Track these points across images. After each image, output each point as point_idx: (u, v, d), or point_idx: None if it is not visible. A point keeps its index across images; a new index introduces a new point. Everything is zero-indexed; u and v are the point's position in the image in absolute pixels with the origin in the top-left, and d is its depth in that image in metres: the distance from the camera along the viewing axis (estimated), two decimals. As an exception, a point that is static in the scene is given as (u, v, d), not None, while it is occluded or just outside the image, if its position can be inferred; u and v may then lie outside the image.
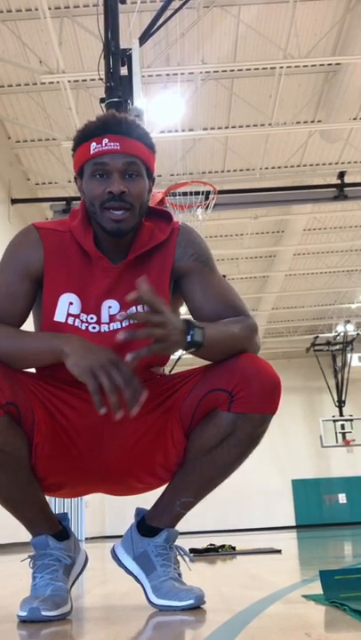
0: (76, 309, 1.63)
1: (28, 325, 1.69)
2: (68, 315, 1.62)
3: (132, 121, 1.67)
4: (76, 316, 1.62)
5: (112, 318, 1.64)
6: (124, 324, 1.63)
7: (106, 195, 1.59)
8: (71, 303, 1.63)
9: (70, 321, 1.62)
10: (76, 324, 1.62)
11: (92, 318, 1.63)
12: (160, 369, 1.74)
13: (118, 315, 1.59)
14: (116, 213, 1.59)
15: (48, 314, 1.62)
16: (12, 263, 1.66)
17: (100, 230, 1.65)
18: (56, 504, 9.29)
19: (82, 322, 1.63)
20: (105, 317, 1.64)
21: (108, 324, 1.63)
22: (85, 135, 1.64)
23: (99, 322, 1.63)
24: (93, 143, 1.62)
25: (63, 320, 1.61)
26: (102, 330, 1.63)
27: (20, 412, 1.54)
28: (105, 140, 1.61)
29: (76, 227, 1.68)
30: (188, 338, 1.50)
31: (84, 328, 1.62)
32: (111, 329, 1.63)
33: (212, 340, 1.54)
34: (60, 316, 1.62)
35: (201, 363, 1.66)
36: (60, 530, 1.70)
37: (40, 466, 1.60)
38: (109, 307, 1.64)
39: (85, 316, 1.63)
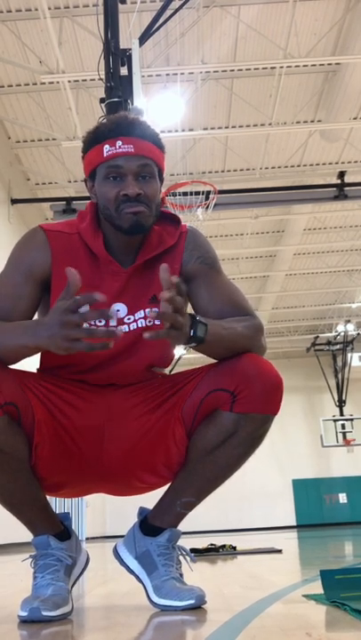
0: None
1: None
2: None
3: (143, 122, 1.67)
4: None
5: (120, 322, 1.64)
6: (131, 328, 1.63)
7: (121, 197, 1.60)
8: None
9: None
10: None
11: (100, 321, 1.63)
12: (162, 369, 1.74)
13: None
14: (134, 208, 1.59)
15: None
16: (16, 264, 1.66)
17: (110, 233, 1.65)
18: (56, 504, 9.30)
19: (90, 325, 1.62)
20: (113, 321, 1.64)
21: (116, 327, 1.63)
22: (97, 137, 1.64)
23: (107, 325, 1.63)
24: (106, 145, 1.62)
25: None
26: None
27: (20, 411, 1.54)
28: (118, 143, 1.61)
29: (85, 229, 1.67)
30: (191, 332, 1.49)
31: None
32: None
33: (214, 337, 1.54)
34: None
35: (201, 362, 1.66)
36: (61, 530, 1.70)
37: (40, 466, 1.60)
38: (118, 310, 1.65)
39: None
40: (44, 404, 1.61)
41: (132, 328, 1.64)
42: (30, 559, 1.68)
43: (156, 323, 1.63)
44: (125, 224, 1.60)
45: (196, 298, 1.70)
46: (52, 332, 1.39)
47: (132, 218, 1.59)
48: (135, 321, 1.64)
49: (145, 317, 1.65)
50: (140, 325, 1.64)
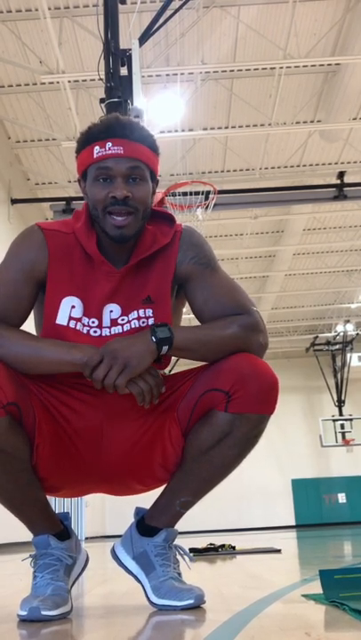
0: (77, 313, 1.62)
1: (28, 326, 1.69)
2: (70, 318, 1.61)
3: (135, 124, 1.66)
4: (78, 320, 1.62)
5: (113, 322, 1.64)
6: (125, 329, 1.63)
7: (109, 199, 1.59)
8: (73, 307, 1.62)
9: (72, 324, 1.61)
10: (77, 328, 1.61)
11: (93, 322, 1.63)
12: (161, 370, 1.74)
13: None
14: (119, 219, 1.59)
15: (50, 316, 1.61)
16: (17, 263, 1.65)
17: (103, 234, 1.65)
18: (56, 504, 9.30)
19: (83, 325, 1.62)
20: (106, 321, 1.64)
21: (110, 327, 1.63)
22: (89, 138, 1.64)
23: (100, 326, 1.63)
24: (97, 147, 1.61)
25: (65, 323, 1.61)
26: (103, 334, 1.62)
27: (22, 412, 1.54)
28: (108, 144, 1.60)
29: (80, 229, 1.67)
30: (153, 339, 1.53)
31: (85, 332, 1.62)
32: (112, 333, 1.63)
33: (189, 340, 1.56)
34: (61, 319, 1.61)
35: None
36: (61, 530, 1.70)
37: (41, 466, 1.60)
38: (111, 310, 1.64)
39: (87, 319, 1.63)
40: (44, 406, 1.61)
41: (125, 329, 1.63)
42: (30, 558, 1.68)
43: (150, 323, 1.64)
44: (110, 232, 1.61)
45: (191, 299, 1.69)
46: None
47: (117, 230, 1.60)
48: (129, 322, 1.64)
49: (138, 318, 1.64)
50: (133, 326, 1.63)
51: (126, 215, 1.60)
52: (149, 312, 1.64)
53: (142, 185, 1.62)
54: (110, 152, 1.60)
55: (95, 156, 1.61)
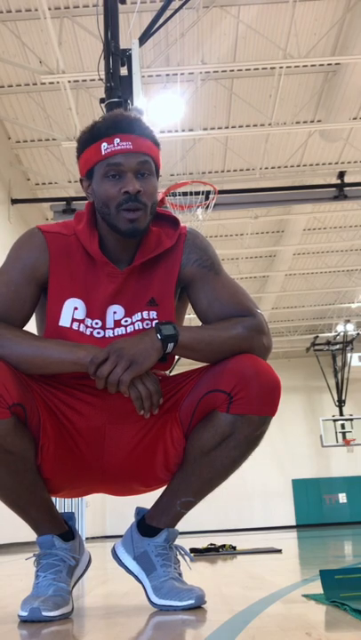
0: (80, 314, 1.62)
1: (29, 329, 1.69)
2: (73, 320, 1.61)
3: (139, 118, 1.65)
4: (81, 322, 1.62)
5: (117, 323, 1.63)
6: (128, 330, 1.63)
7: (122, 195, 1.58)
8: (76, 308, 1.62)
9: (75, 326, 1.61)
10: (80, 330, 1.61)
11: (96, 323, 1.63)
12: (162, 371, 1.74)
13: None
14: (131, 213, 1.58)
15: (53, 319, 1.61)
16: (18, 265, 1.64)
17: (107, 234, 1.65)
18: (57, 504, 9.29)
19: (86, 327, 1.62)
20: (110, 323, 1.63)
21: (113, 329, 1.63)
22: (94, 136, 1.62)
23: (103, 327, 1.63)
24: (104, 143, 1.60)
25: (68, 325, 1.61)
26: (107, 335, 1.62)
27: (27, 413, 1.54)
28: (116, 140, 1.59)
29: (82, 230, 1.66)
30: (159, 336, 1.52)
31: (88, 333, 1.61)
32: (116, 334, 1.62)
33: (194, 339, 1.55)
34: (64, 321, 1.61)
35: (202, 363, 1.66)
36: (65, 530, 1.70)
37: (45, 467, 1.60)
38: (114, 312, 1.64)
39: (90, 321, 1.62)
40: (48, 406, 1.61)
41: (129, 330, 1.63)
42: (34, 557, 1.68)
43: (154, 325, 1.63)
44: (122, 227, 1.59)
45: (195, 302, 1.69)
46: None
47: (129, 224, 1.58)
48: (132, 323, 1.63)
49: (142, 320, 1.63)
50: (137, 328, 1.62)
51: (137, 210, 1.59)
52: (153, 314, 1.64)
53: (150, 179, 1.62)
54: (119, 148, 1.59)
55: (103, 152, 1.60)
